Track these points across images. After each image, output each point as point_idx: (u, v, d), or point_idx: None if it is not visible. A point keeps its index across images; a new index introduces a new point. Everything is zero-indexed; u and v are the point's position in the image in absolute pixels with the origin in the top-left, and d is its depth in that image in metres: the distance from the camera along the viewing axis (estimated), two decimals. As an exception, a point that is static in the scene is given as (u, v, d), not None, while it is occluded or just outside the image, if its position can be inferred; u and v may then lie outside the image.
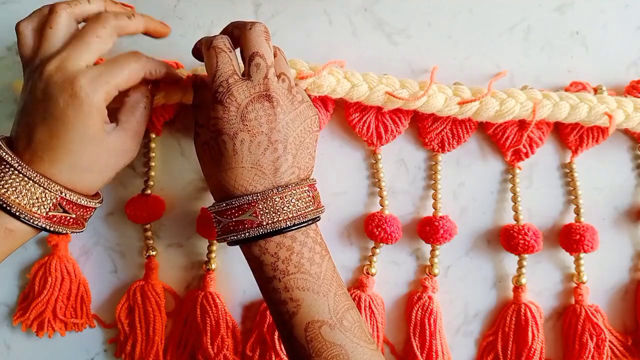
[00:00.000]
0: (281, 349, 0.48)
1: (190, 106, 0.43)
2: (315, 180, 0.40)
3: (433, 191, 0.50)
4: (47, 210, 0.37)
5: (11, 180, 0.36)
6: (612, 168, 0.51)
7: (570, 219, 0.50)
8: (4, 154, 0.36)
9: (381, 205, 0.50)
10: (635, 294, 0.51)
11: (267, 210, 0.36)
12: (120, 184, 0.50)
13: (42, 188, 0.36)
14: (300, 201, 0.38)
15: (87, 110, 0.36)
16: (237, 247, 0.50)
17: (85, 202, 0.39)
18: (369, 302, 0.49)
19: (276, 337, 0.48)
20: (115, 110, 0.40)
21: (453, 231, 0.49)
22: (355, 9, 0.51)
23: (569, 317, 0.50)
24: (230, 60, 0.38)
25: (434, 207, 0.49)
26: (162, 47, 0.49)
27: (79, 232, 0.40)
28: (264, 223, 0.36)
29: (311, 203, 0.38)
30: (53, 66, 0.36)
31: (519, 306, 0.49)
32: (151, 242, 0.50)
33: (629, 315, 0.51)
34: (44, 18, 0.40)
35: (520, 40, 0.51)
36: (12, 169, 0.36)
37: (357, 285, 0.50)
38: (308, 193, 0.38)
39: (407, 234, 0.50)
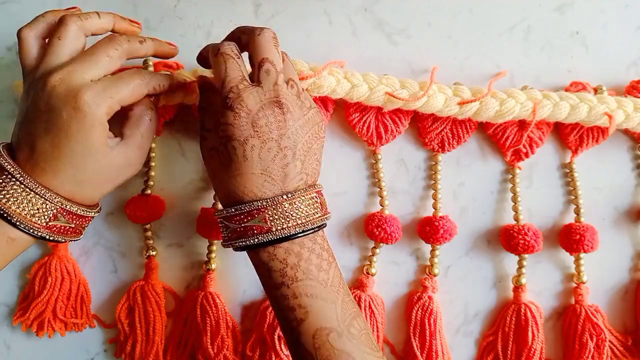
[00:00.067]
0: (281, 349, 0.48)
1: (196, 109, 0.43)
2: (322, 187, 0.40)
3: (433, 191, 0.50)
4: (47, 220, 0.37)
5: (12, 191, 0.36)
6: (612, 168, 0.51)
7: (570, 219, 0.50)
8: (6, 164, 0.36)
9: (381, 205, 0.50)
10: (635, 294, 0.51)
11: (276, 217, 0.36)
12: (121, 184, 0.50)
13: (43, 199, 0.36)
14: (308, 207, 0.38)
15: (90, 124, 0.36)
16: (237, 247, 0.50)
17: (84, 212, 0.39)
18: (369, 302, 0.49)
19: (276, 337, 0.48)
20: (120, 123, 0.41)
21: (453, 231, 0.49)
22: (355, 9, 0.51)
23: (569, 317, 0.50)
24: (239, 66, 0.38)
25: (434, 207, 0.49)
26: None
27: (76, 240, 0.40)
28: (274, 229, 0.36)
29: (319, 209, 0.38)
30: (57, 78, 0.36)
31: (519, 306, 0.49)
32: (151, 242, 0.50)
33: (629, 315, 0.51)
34: (48, 26, 0.40)
35: (520, 40, 0.51)
36: (14, 179, 0.36)
37: (357, 285, 0.50)
38: (316, 199, 0.38)
39: (407, 234, 0.50)
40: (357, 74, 0.47)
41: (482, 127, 0.50)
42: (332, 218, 0.51)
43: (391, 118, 0.49)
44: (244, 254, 0.50)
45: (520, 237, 0.48)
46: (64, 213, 0.37)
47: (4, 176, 0.36)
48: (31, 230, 0.36)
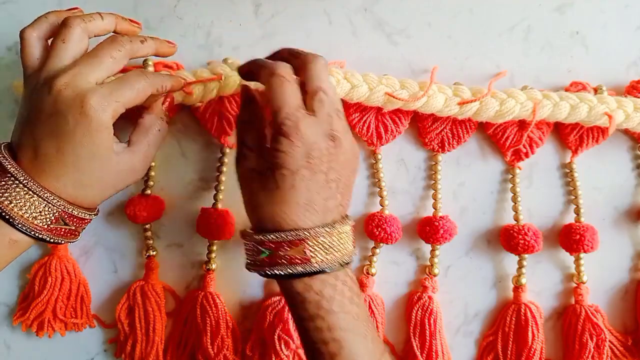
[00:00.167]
0: (281, 349, 0.48)
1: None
2: (353, 221, 0.40)
3: (433, 191, 0.50)
4: (49, 223, 0.37)
5: (15, 193, 0.36)
6: (612, 168, 0.51)
7: (570, 219, 0.50)
8: (9, 166, 0.36)
9: (381, 205, 0.50)
10: (635, 294, 0.51)
11: (316, 248, 0.36)
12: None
13: (45, 202, 0.36)
14: (345, 240, 0.37)
15: (96, 129, 0.36)
16: (237, 249, 0.50)
17: (85, 215, 0.39)
18: (369, 302, 0.49)
19: (276, 337, 0.48)
20: (131, 129, 0.41)
21: (453, 231, 0.49)
22: (355, 9, 0.51)
23: (569, 317, 0.50)
24: (296, 92, 0.37)
25: (434, 207, 0.49)
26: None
27: (73, 241, 0.40)
28: (312, 261, 0.36)
29: (352, 242, 0.38)
30: (63, 82, 0.36)
31: (519, 306, 0.49)
32: (151, 242, 0.50)
33: (629, 315, 0.51)
34: (51, 27, 0.40)
35: (520, 40, 0.51)
36: (17, 181, 0.36)
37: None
38: (351, 232, 0.38)
39: (407, 234, 0.50)
40: (357, 74, 0.47)
41: (482, 127, 0.50)
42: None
43: (391, 118, 0.49)
44: (244, 254, 0.51)
45: (520, 237, 0.48)
46: (66, 216, 0.37)
47: (7, 178, 0.36)
48: (33, 233, 0.36)
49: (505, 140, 0.49)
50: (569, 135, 0.50)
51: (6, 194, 0.36)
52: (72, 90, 0.36)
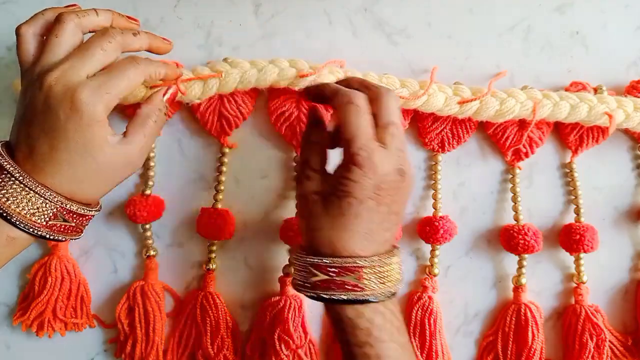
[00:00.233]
0: (281, 349, 0.48)
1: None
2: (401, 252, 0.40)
3: (433, 191, 0.50)
4: (47, 219, 0.37)
5: (12, 190, 0.36)
6: (612, 168, 0.51)
7: (570, 219, 0.50)
8: (6, 163, 0.36)
9: (381, 205, 0.50)
10: (635, 294, 0.51)
11: (371, 276, 0.36)
12: (120, 184, 0.50)
13: (42, 198, 0.36)
14: (396, 270, 0.38)
15: (88, 123, 0.36)
16: (237, 249, 0.50)
17: (85, 211, 0.39)
18: (369, 302, 0.49)
19: (276, 337, 0.48)
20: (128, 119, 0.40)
21: (453, 231, 0.49)
22: (355, 9, 0.51)
23: (569, 317, 0.50)
24: (371, 123, 0.37)
25: (434, 207, 0.49)
26: (162, 47, 0.49)
27: (76, 238, 0.40)
28: (366, 289, 0.36)
29: (400, 273, 0.39)
30: (53, 77, 0.36)
31: (519, 306, 0.49)
32: (151, 242, 0.50)
33: (629, 315, 0.51)
34: (47, 24, 0.39)
35: (520, 40, 0.51)
36: (13, 178, 0.36)
37: (357, 285, 0.50)
38: (400, 263, 0.39)
39: (407, 234, 0.50)
40: (357, 73, 0.47)
41: (482, 127, 0.50)
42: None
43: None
44: (244, 254, 0.51)
45: (520, 237, 0.48)
46: (64, 212, 0.37)
47: (3, 175, 0.36)
48: (31, 230, 0.36)
49: (505, 140, 0.49)
50: (569, 135, 0.50)
51: (3, 191, 0.36)
52: (63, 85, 0.36)
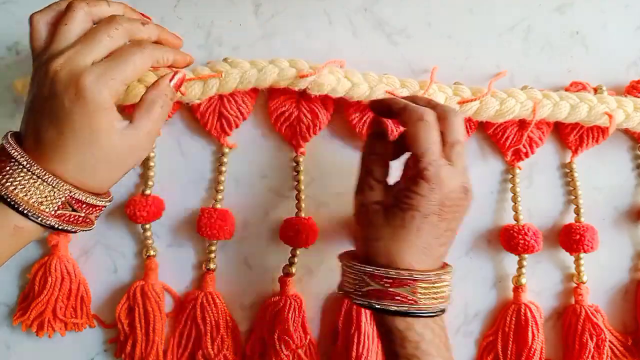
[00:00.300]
0: (281, 349, 0.48)
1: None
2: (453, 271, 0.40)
3: (433, 191, 0.50)
4: (56, 208, 0.36)
5: (20, 178, 0.35)
6: (612, 168, 0.51)
7: (570, 219, 0.50)
8: (13, 151, 0.36)
9: (381, 205, 0.50)
10: (635, 294, 0.51)
11: (425, 291, 0.36)
12: (120, 184, 0.50)
13: (50, 187, 0.36)
14: (447, 286, 0.38)
15: (93, 109, 0.35)
16: (237, 249, 0.50)
17: (94, 201, 0.38)
18: (369, 302, 0.49)
19: (276, 337, 0.48)
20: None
21: (453, 231, 0.49)
22: (355, 9, 0.51)
23: (569, 317, 0.50)
24: (440, 141, 0.38)
25: (434, 207, 0.49)
26: (162, 47, 0.49)
27: (87, 230, 0.39)
28: (420, 303, 0.36)
29: (450, 290, 0.39)
30: (59, 63, 0.36)
31: (519, 306, 0.49)
32: (151, 242, 0.50)
33: (629, 315, 0.51)
34: (59, 13, 0.39)
35: (520, 40, 0.51)
36: (21, 166, 0.35)
37: (357, 285, 0.50)
38: (451, 280, 0.39)
39: (407, 234, 0.50)
40: (357, 73, 0.47)
41: (482, 127, 0.50)
42: (332, 218, 0.51)
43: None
44: (244, 254, 0.51)
45: (520, 237, 0.48)
46: (73, 201, 0.37)
47: (11, 163, 0.36)
48: (39, 219, 0.36)
49: (505, 140, 0.49)
50: (569, 135, 0.50)
51: (10, 179, 0.35)
52: (68, 71, 0.35)
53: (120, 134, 0.37)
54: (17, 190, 0.35)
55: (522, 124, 0.49)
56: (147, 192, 0.50)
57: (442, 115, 0.39)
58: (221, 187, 0.50)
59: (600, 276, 0.50)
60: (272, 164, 0.51)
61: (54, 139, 0.36)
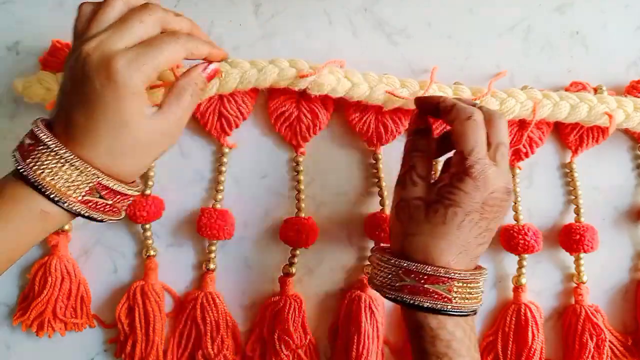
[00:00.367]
0: (281, 349, 0.48)
1: (409, 148, 0.41)
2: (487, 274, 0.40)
3: (433, 191, 0.50)
4: (83, 194, 0.36)
5: (47, 162, 0.35)
6: (612, 168, 0.51)
7: (570, 219, 0.50)
8: (42, 134, 0.35)
9: (381, 205, 0.50)
10: (635, 294, 0.51)
11: (460, 290, 0.37)
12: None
13: (78, 171, 0.35)
14: (481, 289, 0.38)
15: (124, 94, 0.35)
16: (237, 249, 0.50)
17: (122, 189, 0.37)
18: (369, 302, 0.49)
19: (276, 337, 0.48)
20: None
21: (453, 231, 0.49)
22: (355, 9, 0.51)
23: (569, 317, 0.50)
24: (486, 141, 0.38)
25: (434, 207, 0.49)
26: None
27: (115, 219, 0.39)
28: (453, 302, 0.36)
29: (482, 292, 0.39)
30: (91, 46, 0.35)
31: (519, 306, 0.49)
32: (151, 242, 0.50)
33: (629, 315, 0.51)
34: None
35: (520, 40, 0.51)
36: (49, 150, 0.35)
37: (357, 285, 0.50)
38: (484, 282, 0.39)
39: (407, 234, 0.50)
40: (357, 73, 0.47)
41: (482, 127, 0.50)
42: (332, 218, 0.51)
43: (391, 118, 0.49)
44: (244, 255, 0.51)
45: (520, 237, 0.48)
46: (100, 187, 0.36)
47: (40, 147, 0.35)
48: (65, 204, 0.35)
49: (505, 140, 0.49)
50: (569, 135, 0.50)
51: (38, 163, 0.35)
52: (99, 54, 0.35)
53: (149, 120, 0.37)
54: (44, 174, 0.35)
55: (522, 124, 0.49)
56: (147, 192, 0.50)
57: (487, 117, 0.39)
58: (221, 187, 0.50)
59: (600, 276, 0.50)
60: (272, 164, 0.51)
61: (83, 122, 0.35)
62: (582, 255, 0.49)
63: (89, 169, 0.35)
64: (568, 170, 0.50)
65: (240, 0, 0.51)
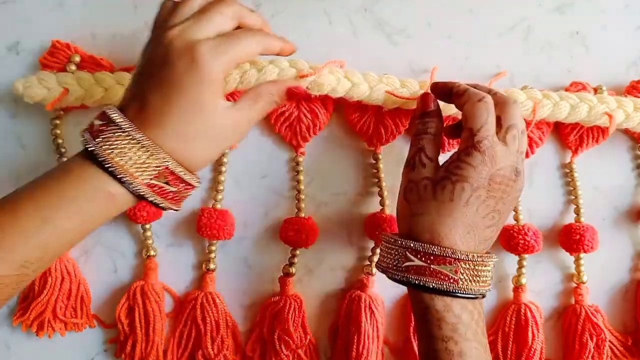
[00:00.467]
0: (281, 349, 0.48)
1: (418, 130, 0.42)
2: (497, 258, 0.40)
3: (433, 191, 0.50)
4: (150, 177, 0.36)
5: (118, 142, 0.35)
6: (612, 168, 0.51)
7: (570, 219, 0.50)
8: (114, 114, 0.36)
9: (381, 205, 0.50)
10: (635, 294, 0.51)
11: (467, 272, 0.37)
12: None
13: (148, 153, 0.35)
14: (489, 274, 0.38)
15: (204, 78, 0.36)
16: (237, 249, 0.50)
17: (187, 177, 0.38)
18: (369, 302, 0.49)
19: (276, 337, 0.48)
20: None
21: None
22: (355, 9, 0.51)
23: (569, 317, 0.50)
24: (495, 122, 0.39)
25: (434, 207, 0.49)
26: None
27: (175, 209, 0.39)
28: (460, 283, 0.36)
29: (492, 277, 0.39)
30: (175, 33, 0.37)
31: (519, 306, 0.49)
32: (151, 242, 0.50)
33: (629, 315, 0.51)
34: None
35: (520, 40, 0.51)
36: (120, 130, 0.35)
37: (357, 285, 0.50)
38: (494, 267, 0.39)
39: (407, 234, 0.50)
40: (357, 73, 0.47)
41: (482, 127, 0.50)
42: (332, 218, 0.51)
43: (391, 118, 0.49)
44: (244, 255, 0.51)
45: (520, 237, 0.48)
46: (167, 173, 0.37)
47: (111, 127, 0.36)
48: (132, 185, 0.35)
49: (505, 140, 0.49)
50: (569, 135, 0.50)
51: (108, 143, 0.35)
52: (183, 40, 0.36)
53: (224, 110, 0.38)
54: (113, 154, 0.35)
55: (522, 124, 0.49)
56: (147, 192, 0.49)
57: (502, 101, 0.40)
58: (221, 187, 0.50)
59: (600, 276, 0.50)
60: (272, 164, 0.51)
61: (159, 104, 0.36)
62: (582, 255, 0.49)
63: (159, 151, 0.36)
64: (568, 170, 0.50)
65: (240, 1, 0.51)
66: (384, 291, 0.50)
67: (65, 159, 0.49)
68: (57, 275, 0.49)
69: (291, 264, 0.49)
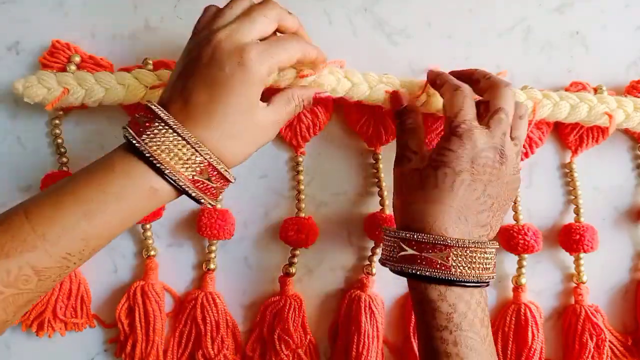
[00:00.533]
0: (281, 349, 0.48)
1: (399, 128, 0.44)
2: (499, 245, 0.40)
3: (433, 191, 0.50)
4: (194, 174, 0.37)
5: (164, 139, 0.36)
6: (612, 168, 0.51)
7: (570, 219, 0.50)
8: (160, 112, 0.36)
9: (381, 205, 0.50)
10: (635, 294, 0.51)
11: (460, 259, 0.37)
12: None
13: (193, 150, 0.36)
14: (488, 260, 0.38)
15: (252, 81, 0.37)
16: (237, 249, 0.50)
17: (227, 174, 0.38)
18: (369, 302, 0.49)
19: (276, 337, 0.48)
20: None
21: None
22: (355, 9, 0.51)
23: (569, 317, 0.50)
24: (474, 108, 0.40)
25: (434, 207, 0.49)
26: (162, 47, 0.49)
27: (211, 204, 0.39)
28: (453, 270, 0.36)
29: (494, 265, 0.39)
30: (223, 34, 0.37)
31: (519, 306, 0.49)
32: (151, 242, 0.50)
33: (629, 315, 0.51)
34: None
35: (520, 40, 0.51)
36: (167, 127, 0.36)
37: (357, 285, 0.50)
38: (494, 255, 0.39)
39: (407, 234, 0.50)
40: (357, 73, 0.47)
41: (482, 127, 0.50)
42: (332, 218, 0.51)
43: (391, 118, 0.49)
44: (244, 255, 0.51)
45: (520, 237, 0.48)
46: (210, 169, 0.37)
47: (157, 123, 0.36)
48: (177, 181, 0.36)
49: (505, 140, 0.49)
50: (569, 135, 0.50)
51: (155, 139, 0.36)
52: (232, 42, 0.37)
53: (264, 110, 0.39)
54: (159, 151, 0.35)
55: (522, 124, 0.49)
56: (147, 192, 0.49)
57: (494, 84, 0.41)
58: (221, 187, 0.50)
59: (600, 276, 0.50)
60: (272, 164, 0.51)
61: (205, 102, 0.37)
62: (582, 255, 0.49)
63: (203, 148, 0.37)
64: (568, 170, 0.50)
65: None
66: (384, 291, 0.50)
67: (65, 159, 0.49)
68: (57, 275, 0.48)
69: (291, 264, 0.49)
